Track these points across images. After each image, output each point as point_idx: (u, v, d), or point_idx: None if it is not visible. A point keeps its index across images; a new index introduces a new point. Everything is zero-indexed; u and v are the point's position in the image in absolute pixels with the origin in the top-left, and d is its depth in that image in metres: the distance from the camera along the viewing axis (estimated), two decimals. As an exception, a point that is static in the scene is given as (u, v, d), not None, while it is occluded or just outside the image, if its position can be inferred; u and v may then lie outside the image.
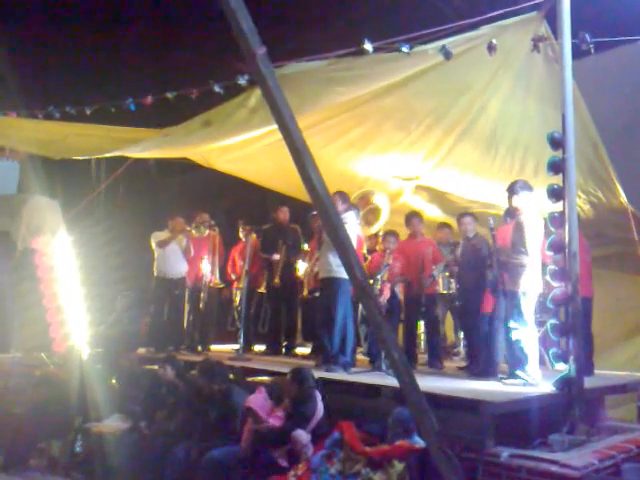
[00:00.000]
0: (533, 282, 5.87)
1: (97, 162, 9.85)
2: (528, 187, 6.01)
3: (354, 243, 6.73)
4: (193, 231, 8.74)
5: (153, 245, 8.78)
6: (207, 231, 8.79)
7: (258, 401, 5.31)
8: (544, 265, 5.96)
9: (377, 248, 7.61)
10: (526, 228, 5.86)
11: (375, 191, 8.22)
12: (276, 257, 8.34)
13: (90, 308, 8.58)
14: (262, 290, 8.66)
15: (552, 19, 5.89)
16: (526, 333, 5.80)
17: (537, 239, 5.93)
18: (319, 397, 5.31)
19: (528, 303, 5.84)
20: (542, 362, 7.34)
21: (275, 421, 5.21)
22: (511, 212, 6.25)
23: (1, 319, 8.51)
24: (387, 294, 7.08)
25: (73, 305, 8.47)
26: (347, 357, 6.69)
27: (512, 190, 6.03)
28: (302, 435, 5.02)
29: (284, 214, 8.65)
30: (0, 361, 8.19)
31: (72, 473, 6.41)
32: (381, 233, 7.71)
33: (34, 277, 8.45)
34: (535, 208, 6.04)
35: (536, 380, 5.74)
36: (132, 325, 8.77)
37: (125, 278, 9.51)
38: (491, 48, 6.05)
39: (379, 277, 6.90)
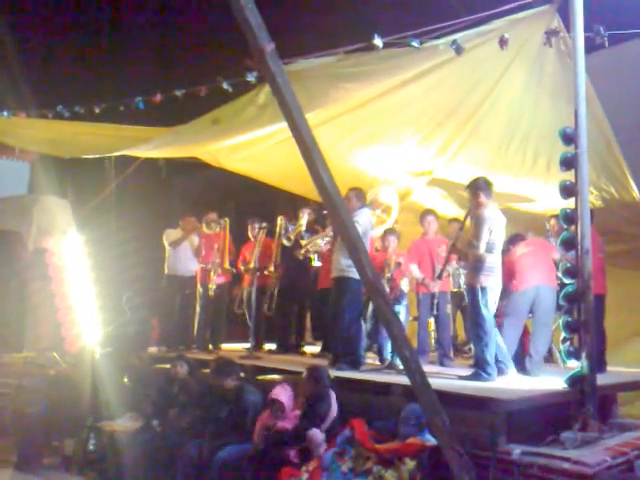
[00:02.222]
0: (494, 279, 5.91)
1: (107, 162, 9.89)
2: (489, 184, 6.08)
3: (368, 242, 6.74)
4: (204, 227, 8.76)
5: (165, 243, 8.81)
6: (218, 228, 8.80)
7: (285, 395, 5.40)
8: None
9: (378, 246, 7.55)
10: (486, 222, 5.87)
11: (381, 189, 8.17)
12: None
13: (101, 307, 8.63)
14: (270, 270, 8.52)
15: (565, 12, 5.83)
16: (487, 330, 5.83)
17: (499, 236, 5.99)
18: (334, 396, 5.32)
19: (487, 300, 5.85)
20: (553, 359, 7.37)
21: (290, 422, 5.21)
22: (473, 207, 6.18)
23: (14, 319, 8.56)
24: (397, 292, 7.05)
25: (84, 305, 8.51)
26: (357, 355, 6.68)
27: (477, 187, 6.06)
28: (317, 434, 5.02)
29: (309, 216, 8.55)
30: (13, 361, 8.24)
31: (85, 471, 6.46)
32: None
33: (45, 277, 8.50)
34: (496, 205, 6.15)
35: (492, 377, 5.77)
36: (142, 325, 8.78)
37: (136, 277, 9.54)
38: (503, 42, 6.01)
39: (389, 275, 6.88)
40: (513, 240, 6.88)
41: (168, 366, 6.81)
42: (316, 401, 5.27)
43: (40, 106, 8.71)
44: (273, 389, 5.50)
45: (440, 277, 6.94)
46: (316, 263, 8.40)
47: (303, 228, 8.09)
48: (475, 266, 5.95)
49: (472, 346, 6.50)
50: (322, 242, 7.77)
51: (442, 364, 7.06)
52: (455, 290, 7.74)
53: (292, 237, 8.05)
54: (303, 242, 7.97)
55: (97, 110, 8.25)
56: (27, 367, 8.01)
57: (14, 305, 8.52)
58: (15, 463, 6.62)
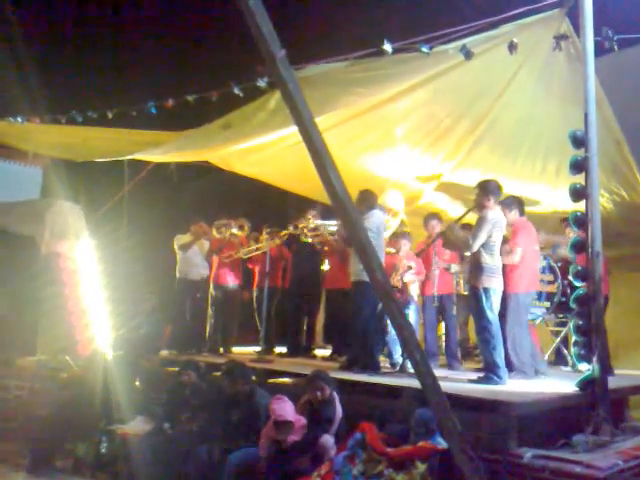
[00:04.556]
0: (496, 281, 5.93)
1: (119, 167, 9.96)
2: (500, 189, 6.13)
3: (380, 244, 6.74)
4: (214, 232, 8.80)
5: (176, 248, 8.86)
6: (228, 233, 8.83)
7: (289, 412, 5.21)
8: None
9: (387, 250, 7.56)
10: (487, 224, 5.90)
11: (387, 194, 8.18)
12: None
13: (113, 311, 8.67)
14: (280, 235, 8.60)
15: (574, 17, 5.84)
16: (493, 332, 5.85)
17: (499, 239, 6.02)
18: (337, 398, 5.33)
19: (491, 302, 5.87)
20: (564, 362, 7.35)
21: (298, 432, 5.19)
22: (479, 207, 6.19)
23: (27, 322, 8.61)
24: (407, 296, 7.05)
25: (97, 308, 8.56)
26: (375, 359, 6.68)
27: (489, 190, 6.08)
28: (330, 440, 5.03)
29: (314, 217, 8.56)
30: (26, 364, 8.30)
31: (97, 474, 6.46)
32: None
33: (58, 281, 8.55)
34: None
35: (503, 380, 5.77)
36: (154, 328, 8.83)
37: (148, 281, 9.59)
38: (512, 47, 6.02)
39: (400, 278, 6.88)
40: (512, 203, 6.62)
41: (177, 370, 6.84)
42: (323, 406, 5.27)
43: (53, 111, 8.80)
44: (273, 409, 5.22)
45: (419, 255, 6.98)
46: (327, 267, 8.43)
47: (311, 225, 8.14)
48: (476, 267, 5.98)
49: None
50: (331, 229, 7.80)
51: (450, 367, 7.05)
52: (465, 293, 7.73)
53: (299, 226, 8.08)
54: (312, 223, 8.03)
55: (110, 115, 8.31)
56: (40, 370, 8.06)
57: (28, 309, 8.57)
58: (27, 466, 6.65)
